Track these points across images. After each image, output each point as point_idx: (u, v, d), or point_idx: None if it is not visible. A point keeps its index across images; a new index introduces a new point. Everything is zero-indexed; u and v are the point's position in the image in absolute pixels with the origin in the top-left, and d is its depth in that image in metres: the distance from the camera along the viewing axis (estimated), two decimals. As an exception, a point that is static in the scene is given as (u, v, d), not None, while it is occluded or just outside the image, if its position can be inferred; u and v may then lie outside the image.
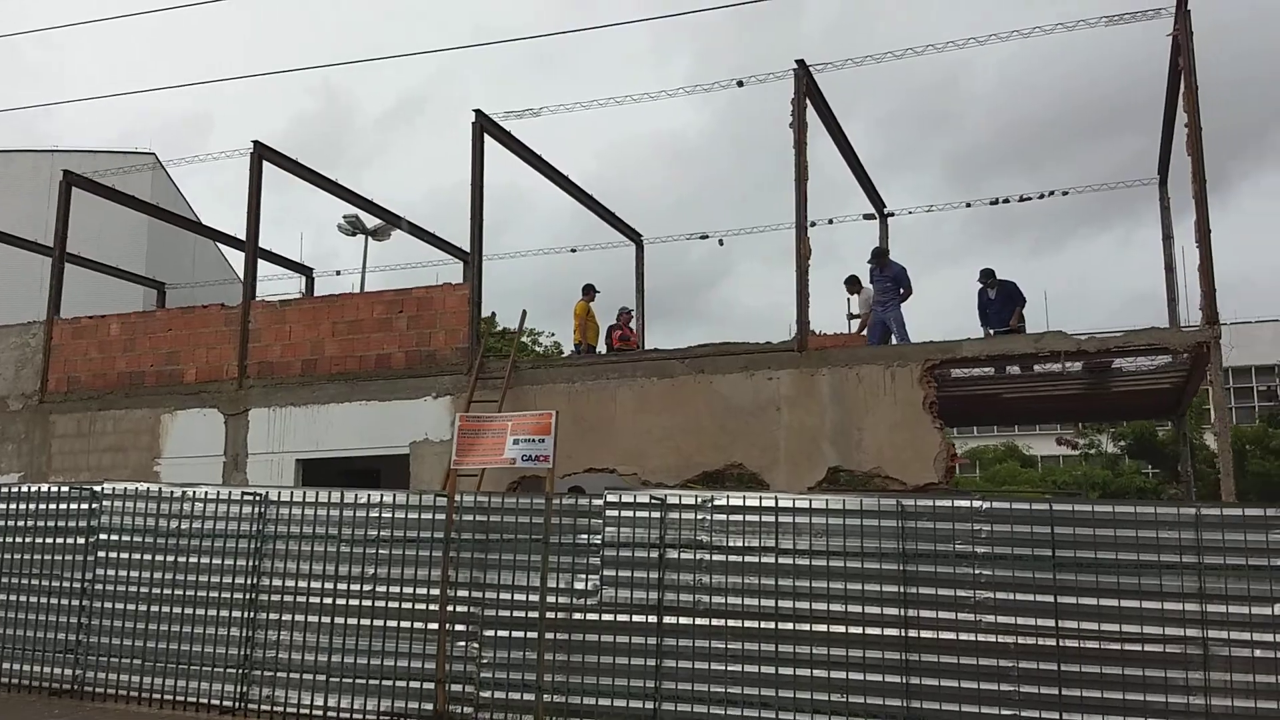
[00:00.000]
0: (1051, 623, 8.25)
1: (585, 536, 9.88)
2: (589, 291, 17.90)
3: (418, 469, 13.81)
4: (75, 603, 11.47)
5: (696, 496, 9.64)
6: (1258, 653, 7.77)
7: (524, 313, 14.03)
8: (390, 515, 10.50)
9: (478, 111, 14.40)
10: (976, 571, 8.56)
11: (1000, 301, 15.13)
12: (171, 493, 11.36)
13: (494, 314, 14.05)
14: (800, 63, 12.75)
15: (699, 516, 9.53)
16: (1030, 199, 18.15)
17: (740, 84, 13.19)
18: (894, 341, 13.80)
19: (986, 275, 15.39)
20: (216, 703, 10.60)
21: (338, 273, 27.36)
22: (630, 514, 9.74)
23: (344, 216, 32.73)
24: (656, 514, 9.67)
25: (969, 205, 18.46)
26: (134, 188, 29.39)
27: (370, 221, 32.33)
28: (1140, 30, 11.74)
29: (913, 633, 8.65)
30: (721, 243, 21.01)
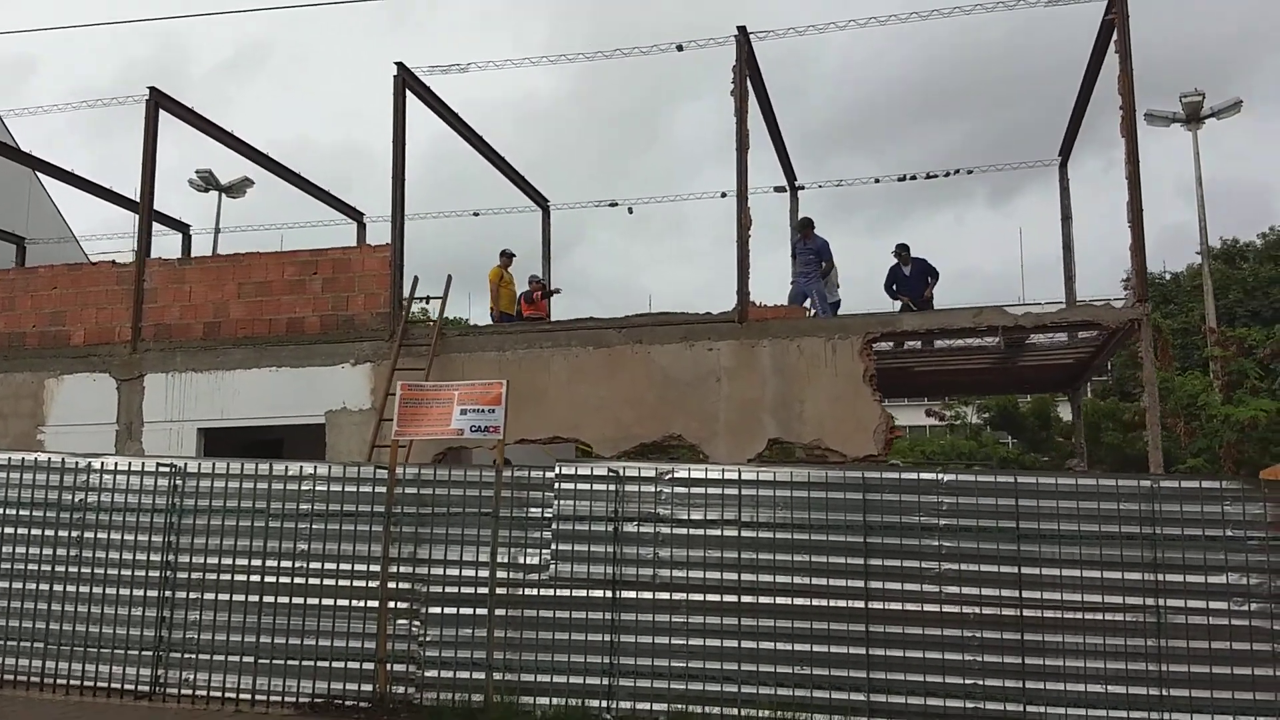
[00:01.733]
0: (1013, 593, 8.40)
1: (535, 510, 9.58)
2: (505, 256, 17.43)
3: (335, 439, 13.16)
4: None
5: (654, 469, 9.44)
6: (1211, 620, 8.07)
7: (449, 278, 13.50)
8: (325, 488, 9.95)
9: (400, 65, 13.71)
10: (938, 544, 8.63)
11: (915, 276, 15.42)
12: (76, 463, 10.49)
13: (416, 279, 13.41)
14: (741, 29, 12.56)
15: (655, 489, 9.35)
16: (937, 176, 18.54)
17: (680, 48, 12.92)
18: (812, 314, 13.89)
19: (902, 250, 15.66)
20: (131, 687, 9.88)
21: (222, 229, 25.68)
22: (584, 486, 9.47)
23: (196, 171, 31.05)
24: (611, 486, 9.44)
25: (877, 180, 18.65)
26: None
27: (225, 177, 30.89)
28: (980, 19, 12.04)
29: (874, 604, 8.68)
30: (631, 210, 20.82)
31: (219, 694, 9.71)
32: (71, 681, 10.01)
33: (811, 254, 15.11)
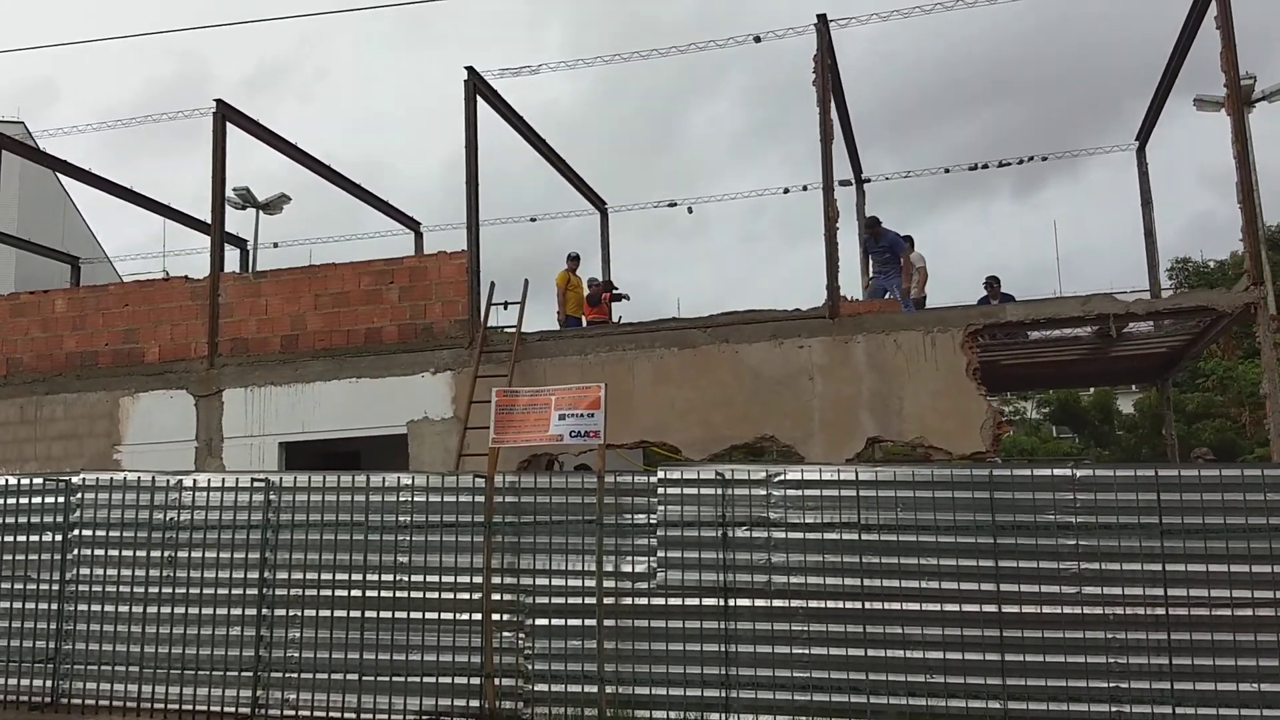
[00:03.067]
0: (1157, 592, 8.00)
1: (639, 516, 9.27)
2: (572, 259, 17.20)
3: (417, 450, 12.95)
4: (52, 606, 10.36)
5: (764, 471, 9.11)
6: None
7: (526, 282, 13.26)
8: (423, 499, 9.71)
9: (470, 69, 13.51)
10: (1074, 542, 8.24)
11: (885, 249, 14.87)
12: (167, 481, 10.32)
13: (493, 285, 13.18)
14: (821, 17, 12.23)
15: (765, 492, 9.03)
16: (1009, 163, 18.14)
17: (758, 39, 12.61)
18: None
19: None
20: (231, 710, 9.67)
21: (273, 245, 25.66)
22: (690, 491, 9.15)
23: (234, 189, 31.10)
24: (717, 490, 9.12)
25: (947, 170, 18.26)
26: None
27: (262, 194, 30.90)
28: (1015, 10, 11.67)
29: (1006, 608, 8.30)
30: (691, 210, 20.59)
31: (322, 713, 9.49)
32: (170, 705, 9.82)
33: (885, 251, 14.79)
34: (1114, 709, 7.98)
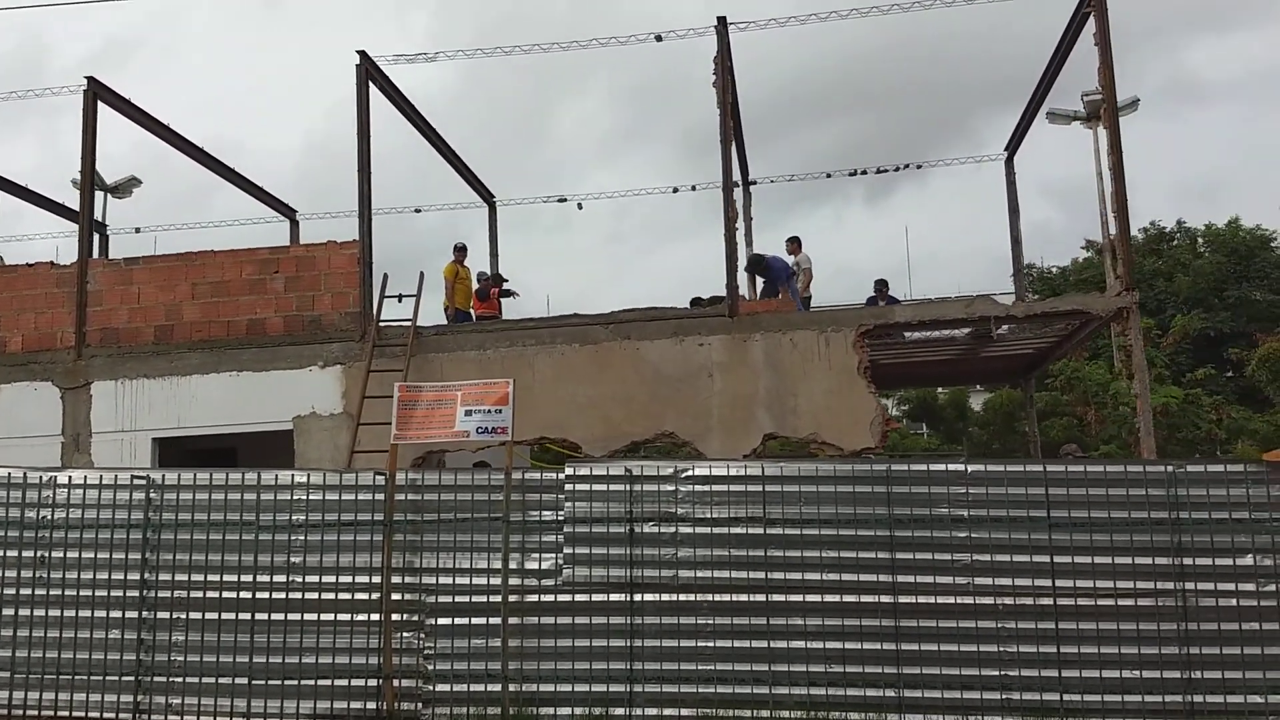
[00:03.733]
0: (1045, 583, 8.38)
1: (546, 513, 9.22)
2: (459, 250, 16.92)
3: (304, 446, 12.55)
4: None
5: (672, 466, 9.18)
6: (1240, 602, 8.18)
7: (421, 274, 13.00)
8: (320, 497, 9.42)
9: (363, 54, 13.15)
10: (966, 535, 8.57)
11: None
12: (40, 478, 9.74)
13: (386, 276, 12.88)
14: (721, 20, 12.38)
15: (672, 487, 9.09)
16: (887, 170, 18.72)
17: (659, 38, 12.66)
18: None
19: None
20: (111, 715, 9.19)
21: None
22: (598, 488, 9.14)
23: (81, 170, 29.57)
24: (623, 486, 9.14)
25: (858, 173, 18.75)
26: None
27: (111, 176, 29.46)
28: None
29: (902, 598, 8.58)
30: (580, 206, 20.55)
31: (209, 717, 9.12)
32: (44, 712, 9.28)
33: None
34: (1004, 696, 8.33)
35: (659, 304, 12.48)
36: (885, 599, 8.57)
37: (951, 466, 8.79)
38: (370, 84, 13.33)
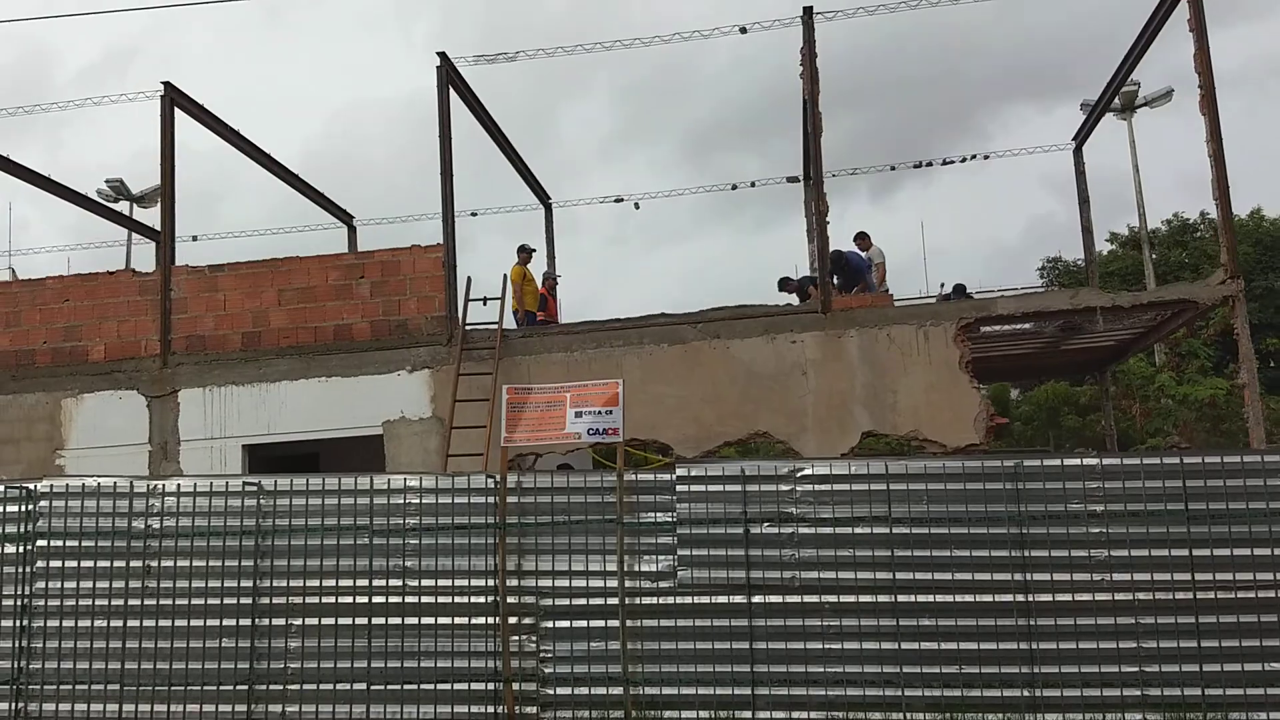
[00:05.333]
0: (1185, 577, 8.21)
1: (655, 514, 9.11)
2: (525, 252, 16.84)
3: (394, 451, 12.49)
4: (14, 624, 9.62)
5: (786, 467, 9.05)
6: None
7: (505, 276, 12.92)
8: (434, 501, 9.34)
9: (443, 55, 13.05)
10: (1102, 530, 8.41)
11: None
12: (148, 487, 9.69)
13: (470, 279, 12.82)
14: (807, 10, 12.23)
15: (788, 488, 8.96)
16: (924, 164, 18.51)
17: (743, 30, 12.54)
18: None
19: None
20: (226, 726, 9.15)
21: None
22: (713, 488, 9.03)
23: (106, 181, 29.75)
24: (738, 487, 9.02)
25: (893, 168, 18.56)
26: None
27: (137, 186, 29.60)
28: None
29: (1038, 597, 8.42)
30: (638, 206, 20.48)
31: (325, 726, 9.06)
32: (155, 724, 9.24)
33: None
34: (1143, 692, 8.17)
35: (667, 307, 12.36)
36: (1018, 598, 8.43)
37: (1085, 461, 8.61)
38: (450, 87, 13.27)
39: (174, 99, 13.70)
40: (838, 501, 8.73)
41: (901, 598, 8.54)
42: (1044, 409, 37.10)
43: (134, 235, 26.09)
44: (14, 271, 22.13)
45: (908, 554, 8.58)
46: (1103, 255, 42.76)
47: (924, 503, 8.64)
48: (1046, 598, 8.41)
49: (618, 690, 8.70)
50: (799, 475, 8.93)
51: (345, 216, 20.56)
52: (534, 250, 17.01)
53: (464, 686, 8.97)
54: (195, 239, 22.79)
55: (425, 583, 9.20)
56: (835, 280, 14.74)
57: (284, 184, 17.24)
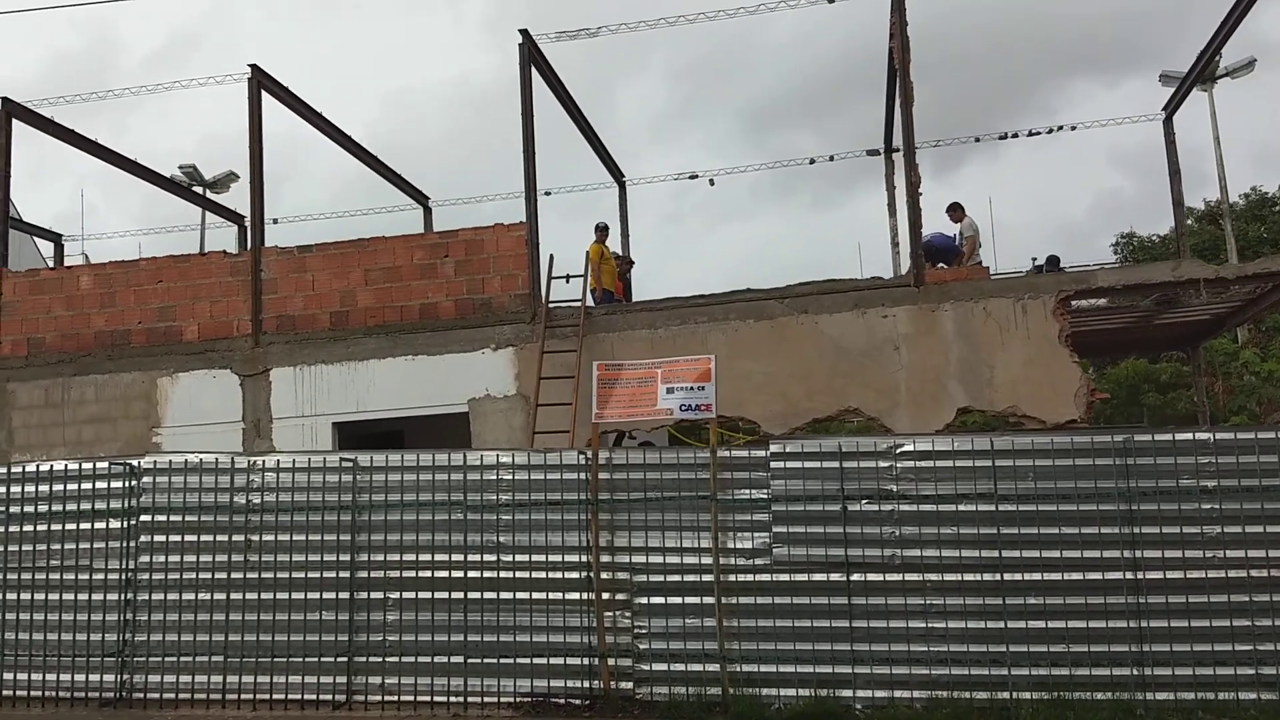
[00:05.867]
0: (1298, 554, 7.92)
1: (754, 492, 9.01)
2: (601, 230, 16.78)
3: (480, 428, 12.55)
4: (120, 597, 9.86)
5: (887, 443, 8.89)
6: None
7: (588, 254, 12.87)
8: (526, 477, 9.35)
9: (525, 33, 13.00)
10: (1214, 506, 8.13)
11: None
12: (249, 463, 9.86)
13: (552, 257, 12.79)
14: (895, -20, 11.96)
15: (887, 464, 8.80)
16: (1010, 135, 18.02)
17: (831, 0, 12.29)
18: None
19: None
20: (328, 697, 9.27)
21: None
22: (810, 464, 8.89)
23: (179, 167, 30.31)
24: (834, 464, 8.88)
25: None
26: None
27: (213, 170, 29.96)
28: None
29: (1149, 574, 8.18)
30: (712, 183, 20.30)
31: (425, 696, 9.14)
32: (259, 695, 9.40)
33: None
34: (1258, 670, 7.90)
35: (725, 287, 12.06)
36: (1127, 575, 8.19)
37: (1198, 435, 8.32)
38: (532, 66, 13.23)
39: (261, 81, 13.86)
40: (940, 478, 8.56)
41: (1007, 576, 8.35)
42: (1124, 387, 36.21)
43: (206, 221, 26.72)
44: (87, 256, 22.66)
45: (1014, 532, 8.39)
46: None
47: (1030, 479, 8.43)
48: (1157, 575, 8.19)
49: (714, 667, 8.65)
50: (899, 452, 8.77)
51: (421, 197, 20.71)
52: (609, 228, 16.97)
53: (559, 661, 9.00)
54: (276, 221, 23.19)
55: (519, 558, 9.24)
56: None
57: (352, 165, 17.46)
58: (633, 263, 18.49)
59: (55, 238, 21.99)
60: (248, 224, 21.92)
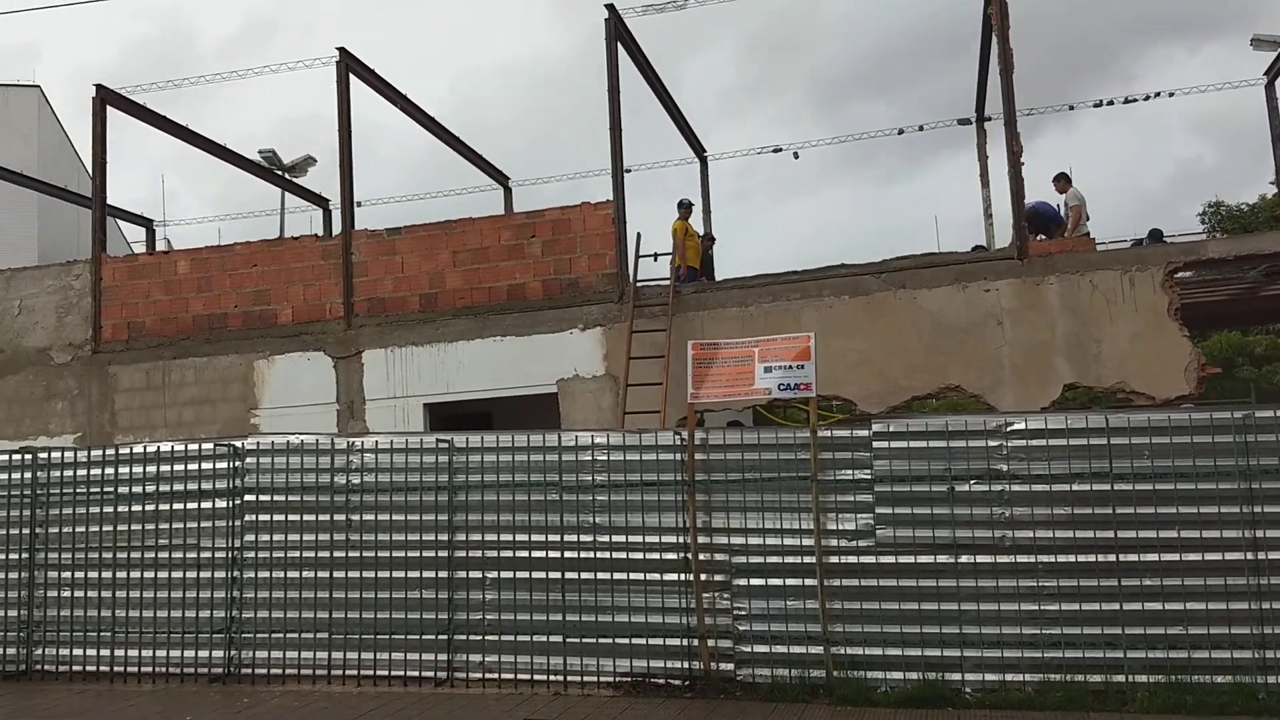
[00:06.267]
0: None
1: (855, 472, 8.83)
2: (685, 207, 16.63)
3: (569, 408, 12.55)
4: (226, 575, 10.06)
5: (997, 421, 8.62)
6: None
7: (674, 230, 12.74)
8: (622, 458, 9.29)
9: (610, 8, 12.88)
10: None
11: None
12: (349, 444, 9.98)
13: (639, 236, 12.69)
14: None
15: (997, 444, 8.54)
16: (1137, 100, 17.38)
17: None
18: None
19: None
20: (430, 674, 9.36)
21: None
22: (915, 445, 8.67)
23: (259, 151, 30.83)
24: (940, 443, 8.65)
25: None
26: (18, 125, 26.70)
27: (288, 155, 30.27)
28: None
29: (1267, 554, 7.84)
30: (796, 155, 20.03)
31: (525, 675, 9.17)
32: (363, 671, 9.53)
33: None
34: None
35: (792, 264, 11.81)
36: (1247, 556, 7.86)
37: (1314, 411, 7.94)
38: (619, 43, 13.10)
39: (349, 65, 13.97)
40: (1053, 457, 8.29)
41: (1123, 557, 8.08)
42: (1217, 360, 35.05)
43: (286, 205, 27.16)
44: (169, 242, 23.17)
45: (1130, 511, 8.10)
46: (1266, 199, 39.76)
47: (1147, 457, 8.13)
48: (1279, 555, 7.82)
49: (816, 649, 8.53)
50: (1009, 430, 8.51)
51: (501, 177, 20.76)
52: (693, 205, 16.81)
53: (658, 642, 8.96)
54: (359, 204, 23.42)
55: (616, 539, 9.20)
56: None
57: (420, 146, 17.89)
58: (714, 239, 18.32)
59: (146, 223, 22.56)
60: (332, 207, 22.42)
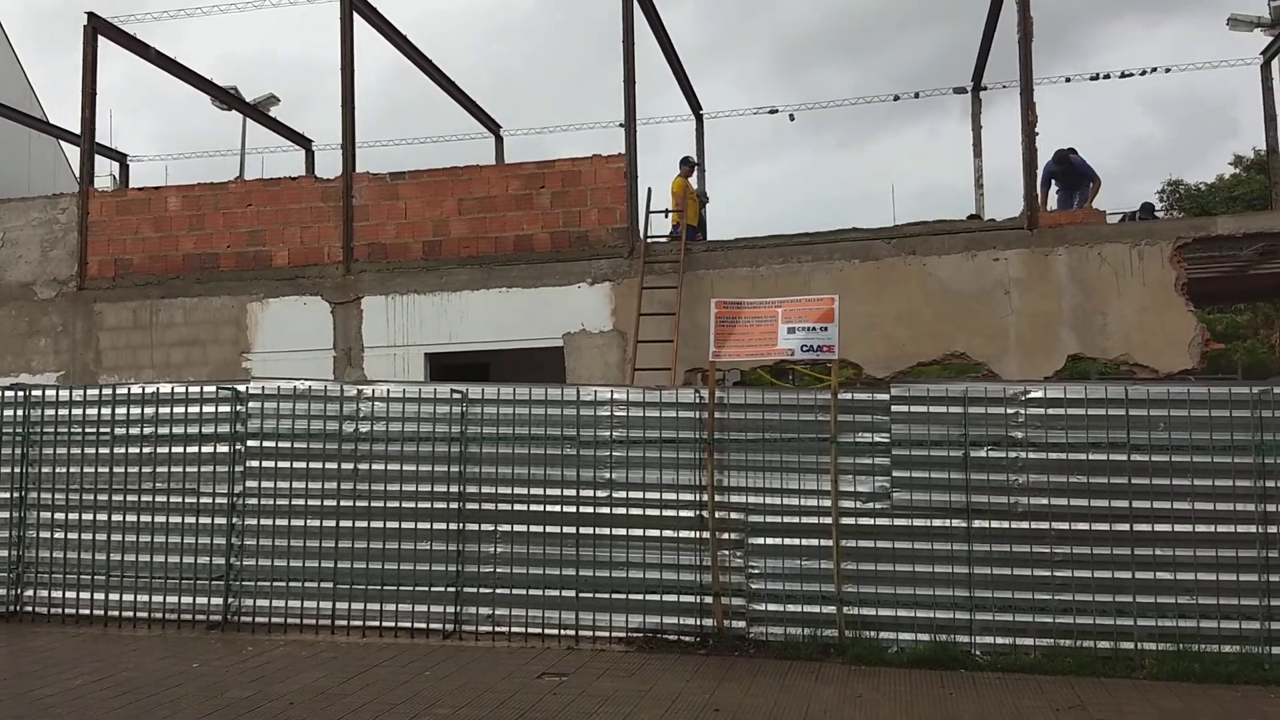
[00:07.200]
0: None
1: (874, 435, 8.89)
2: (687, 164, 16.50)
3: (574, 363, 12.48)
4: (226, 521, 9.92)
5: (1015, 388, 8.72)
6: None
7: (673, 187, 12.65)
8: (641, 414, 9.27)
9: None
10: (1358, 464, 7.93)
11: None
12: (358, 392, 9.84)
13: (650, 190, 12.58)
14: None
15: (1013, 411, 8.64)
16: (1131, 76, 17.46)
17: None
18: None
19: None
20: (437, 626, 9.33)
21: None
22: (935, 409, 8.75)
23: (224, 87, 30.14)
24: (958, 409, 8.73)
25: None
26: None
27: (251, 94, 29.64)
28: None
29: (1274, 528, 8.03)
30: (792, 118, 19.93)
31: (536, 629, 9.17)
32: (368, 622, 9.49)
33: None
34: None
35: (746, 228, 11.88)
36: (1259, 529, 8.05)
37: (1333, 388, 8.11)
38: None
39: (353, 3, 13.61)
40: (1072, 426, 8.39)
41: (1136, 527, 8.23)
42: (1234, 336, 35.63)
43: (247, 146, 26.55)
44: (115, 179, 22.55)
45: (1144, 482, 8.24)
46: (1224, 179, 40.20)
47: (1163, 429, 8.26)
48: (1293, 530, 8.02)
49: (829, 609, 8.62)
50: (1026, 398, 8.60)
51: (493, 125, 20.47)
52: (696, 163, 16.71)
53: (671, 598, 9.00)
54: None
55: (632, 494, 9.20)
56: (1054, 185, 14.06)
57: (378, 90, 17.16)
58: (708, 199, 18.23)
59: (120, 158, 21.96)
60: (315, 148, 21.95)
